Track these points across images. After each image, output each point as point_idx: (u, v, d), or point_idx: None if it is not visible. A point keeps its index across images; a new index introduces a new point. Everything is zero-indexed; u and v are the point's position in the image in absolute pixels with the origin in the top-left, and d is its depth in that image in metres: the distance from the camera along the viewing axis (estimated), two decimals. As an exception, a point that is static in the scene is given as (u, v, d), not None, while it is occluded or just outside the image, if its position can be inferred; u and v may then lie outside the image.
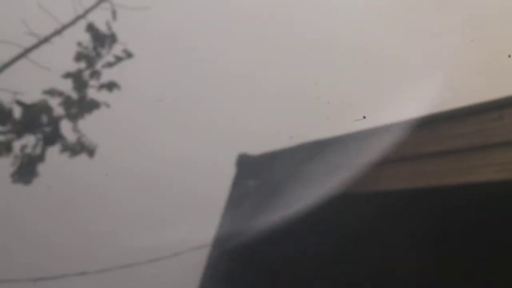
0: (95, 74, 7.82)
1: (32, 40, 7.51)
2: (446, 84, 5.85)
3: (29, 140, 7.51)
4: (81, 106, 7.72)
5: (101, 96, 7.80)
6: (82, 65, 7.78)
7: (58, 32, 7.56)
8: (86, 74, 7.80)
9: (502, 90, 4.69)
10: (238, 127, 6.71)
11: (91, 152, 7.63)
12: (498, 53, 5.99)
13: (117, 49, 7.84)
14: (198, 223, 6.36)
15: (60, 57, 7.61)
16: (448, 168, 5.04)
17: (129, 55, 7.79)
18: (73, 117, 7.72)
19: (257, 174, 6.38)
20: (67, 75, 7.72)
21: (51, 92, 7.63)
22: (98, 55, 7.80)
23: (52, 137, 7.57)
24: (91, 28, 7.78)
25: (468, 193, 4.96)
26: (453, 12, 6.57)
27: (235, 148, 6.60)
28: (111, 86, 7.82)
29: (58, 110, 7.67)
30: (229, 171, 6.60)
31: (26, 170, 7.47)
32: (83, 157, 7.64)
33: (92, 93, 7.80)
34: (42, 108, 7.53)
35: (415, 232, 5.55)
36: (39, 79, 7.46)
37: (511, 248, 4.97)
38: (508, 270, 4.93)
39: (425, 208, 5.39)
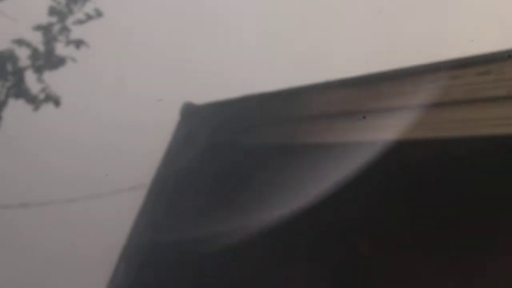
0: (65, 30, 8.02)
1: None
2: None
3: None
4: (47, 60, 7.90)
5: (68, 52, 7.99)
6: (53, 19, 7.98)
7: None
8: (56, 28, 7.99)
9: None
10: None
11: (56, 101, 7.81)
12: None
13: (88, 7, 8.05)
14: (139, 163, 6.49)
15: (30, 10, 7.80)
16: (382, 124, 5.22)
17: (99, 14, 7.98)
18: (39, 69, 7.91)
19: (204, 125, 6.48)
20: (38, 27, 7.91)
21: (19, 42, 7.82)
22: (70, 12, 8.00)
23: (16, 86, 7.75)
24: (65, -15, 8.00)
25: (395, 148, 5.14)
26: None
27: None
28: (79, 43, 8.01)
29: (24, 61, 7.85)
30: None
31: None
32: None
33: (60, 48, 7.99)
34: (8, 56, 7.72)
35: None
36: (7, 29, 7.65)
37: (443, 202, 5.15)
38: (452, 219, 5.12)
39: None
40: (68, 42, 7.98)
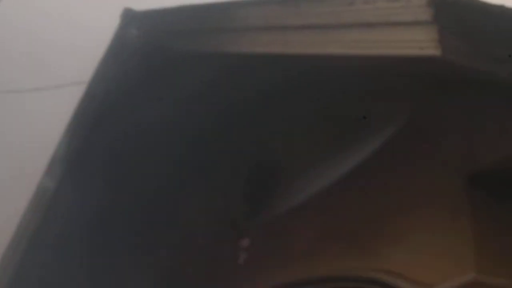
0: None
1: None
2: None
3: None
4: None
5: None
6: None
7: None
8: None
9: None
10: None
11: None
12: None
13: None
14: (80, 61, 6.91)
15: None
16: (300, 41, 5.70)
17: None
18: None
19: (141, 30, 6.85)
20: None
21: None
22: None
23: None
24: None
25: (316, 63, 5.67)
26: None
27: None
28: None
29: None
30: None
31: None
32: None
33: None
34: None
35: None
36: None
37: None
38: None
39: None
40: None
